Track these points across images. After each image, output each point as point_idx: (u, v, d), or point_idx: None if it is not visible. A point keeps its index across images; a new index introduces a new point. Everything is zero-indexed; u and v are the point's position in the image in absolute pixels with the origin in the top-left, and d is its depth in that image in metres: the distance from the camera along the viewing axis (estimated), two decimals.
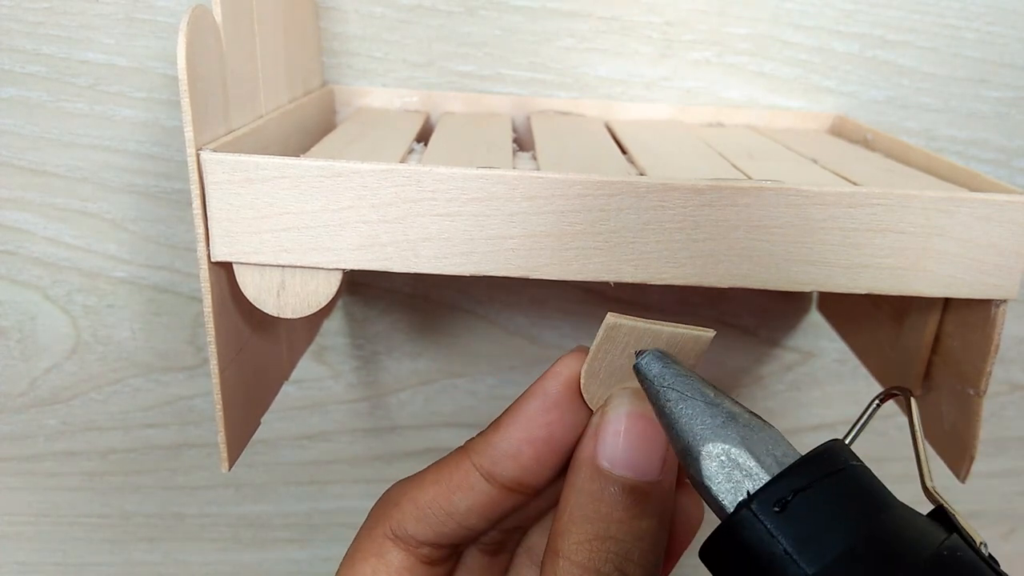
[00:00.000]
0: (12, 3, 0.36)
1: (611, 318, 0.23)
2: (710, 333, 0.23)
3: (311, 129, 0.35)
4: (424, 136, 0.34)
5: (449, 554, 0.27)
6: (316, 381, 0.44)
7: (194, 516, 0.48)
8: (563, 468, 0.25)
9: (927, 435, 0.31)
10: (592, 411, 0.24)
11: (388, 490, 0.27)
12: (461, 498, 0.25)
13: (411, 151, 0.32)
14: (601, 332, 0.23)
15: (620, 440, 0.23)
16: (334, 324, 0.43)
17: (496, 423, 0.25)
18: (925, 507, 0.49)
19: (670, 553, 0.26)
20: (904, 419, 0.32)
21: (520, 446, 0.24)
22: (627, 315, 0.23)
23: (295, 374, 0.36)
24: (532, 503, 0.26)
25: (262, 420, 0.31)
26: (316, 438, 0.45)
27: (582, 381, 0.24)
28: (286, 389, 0.34)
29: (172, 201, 0.39)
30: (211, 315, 0.26)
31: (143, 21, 0.36)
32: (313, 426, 0.45)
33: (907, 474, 0.49)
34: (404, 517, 0.26)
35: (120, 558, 0.49)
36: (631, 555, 0.23)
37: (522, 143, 0.35)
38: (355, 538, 0.27)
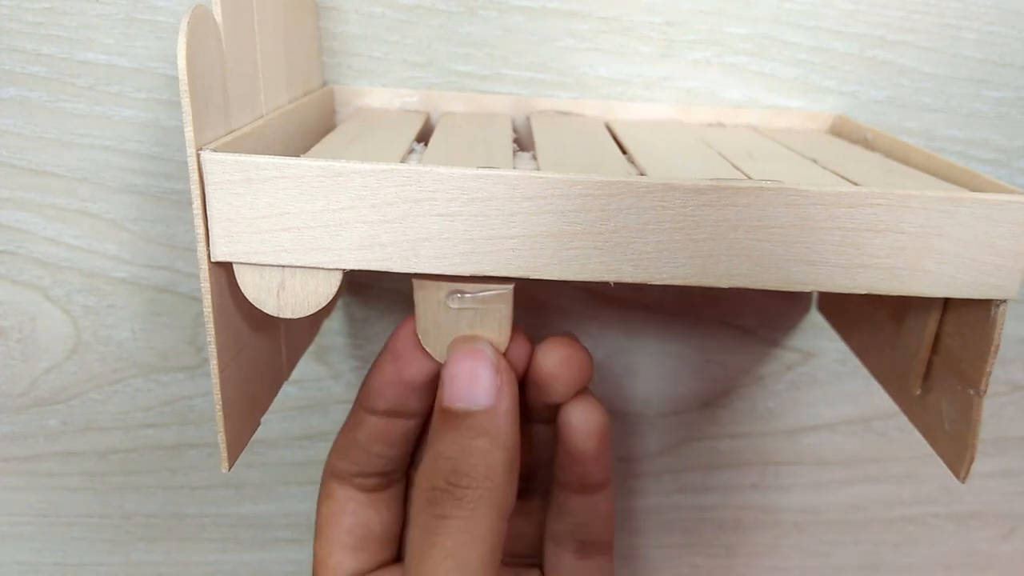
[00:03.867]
0: (12, 3, 0.36)
1: (415, 281, 0.28)
2: (509, 286, 0.28)
3: (311, 129, 0.35)
4: (424, 136, 0.34)
5: (381, 481, 0.33)
6: (316, 381, 0.44)
7: (194, 516, 0.48)
8: (431, 393, 0.31)
9: (927, 435, 0.31)
10: (434, 359, 0.30)
11: None
12: (360, 432, 0.32)
13: (411, 151, 0.32)
14: (415, 295, 0.28)
15: (453, 379, 0.28)
16: (334, 324, 0.43)
17: (368, 371, 0.32)
18: (928, 507, 0.49)
19: (576, 456, 0.31)
20: (904, 419, 0.32)
21: (381, 387, 0.31)
22: (430, 277, 0.27)
23: (295, 374, 0.36)
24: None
25: (262, 420, 0.31)
26: (316, 438, 0.45)
27: (419, 337, 0.29)
28: (286, 389, 0.34)
29: (172, 201, 0.39)
30: (211, 315, 0.26)
31: (143, 21, 0.36)
32: (313, 426, 0.45)
33: (908, 474, 0.49)
34: (334, 459, 0.33)
35: (120, 558, 0.49)
36: (461, 469, 0.26)
37: (522, 143, 0.35)
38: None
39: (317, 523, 0.33)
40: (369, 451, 0.32)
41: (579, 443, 0.31)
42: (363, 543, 0.33)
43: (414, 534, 0.27)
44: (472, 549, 0.26)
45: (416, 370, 0.30)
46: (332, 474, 0.33)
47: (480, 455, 0.27)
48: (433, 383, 0.30)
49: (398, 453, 0.32)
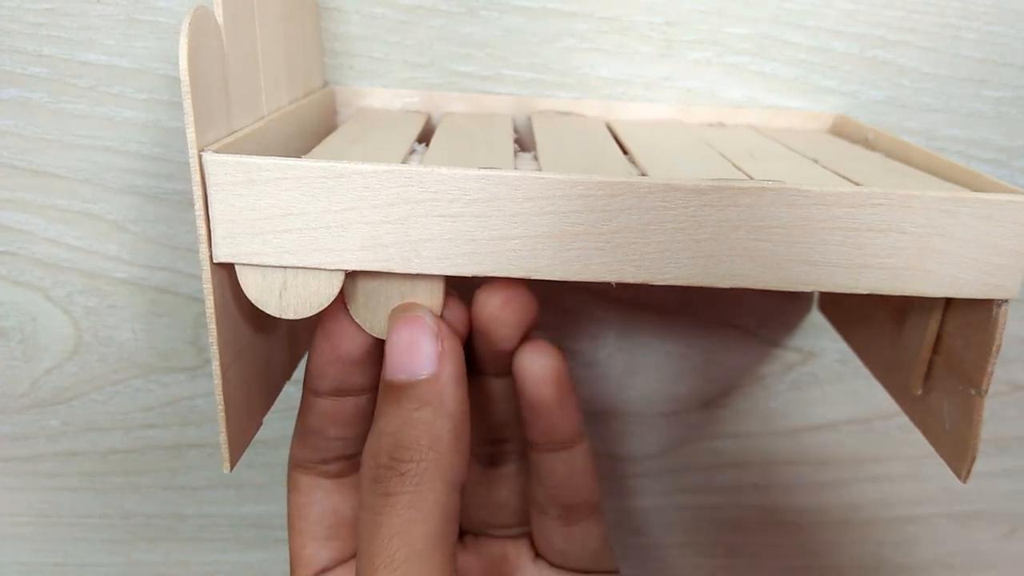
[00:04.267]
0: (13, 4, 0.36)
1: None
2: None
3: (312, 129, 0.35)
4: (425, 137, 0.34)
5: (345, 465, 0.32)
6: None
7: (194, 516, 0.48)
8: (374, 366, 0.30)
9: (928, 435, 0.31)
10: (368, 334, 0.29)
11: None
12: (312, 417, 0.31)
13: (412, 152, 0.32)
14: None
15: (392, 350, 0.27)
16: None
17: (308, 352, 0.30)
18: (929, 507, 0.49)
19: (536, 407, 0.30)
20: (905, 419, 0.32)
21: (321, 368, 0.30)
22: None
23: (296, 374, 0.36)
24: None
25: (263, 420, 0.31)
26: None
27: (349, 309, 0.28)
28: (287, 389, 0.34)
29: (174, 202, 0.39)
30: (213, 316, 0.26)
31: (144, 22, 0.36)
32: None
33: (907, 474, 0.49)
34: (295, 449, 0.32)
35: (120, 558, 0.49)
36: (403, 443, 0.26)
37: (523, 143, 0.35)
38: None
39: (288, 517, 0.32)
40: (325, 435, 0.31)
41: (535, 391, 0.30)
42: (335, 531, 0.32)
43: (362, 516, 0.26)
44: (419, 526, 0.25)
45: (351, 345, 0.29)
46: (295, 465, 0.32)
47: (423, 426, 0.26)
48: (373, 356, 0.29)
49: (355, 433, 0.31)
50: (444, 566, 0.26)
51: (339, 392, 0.30)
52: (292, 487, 0.32)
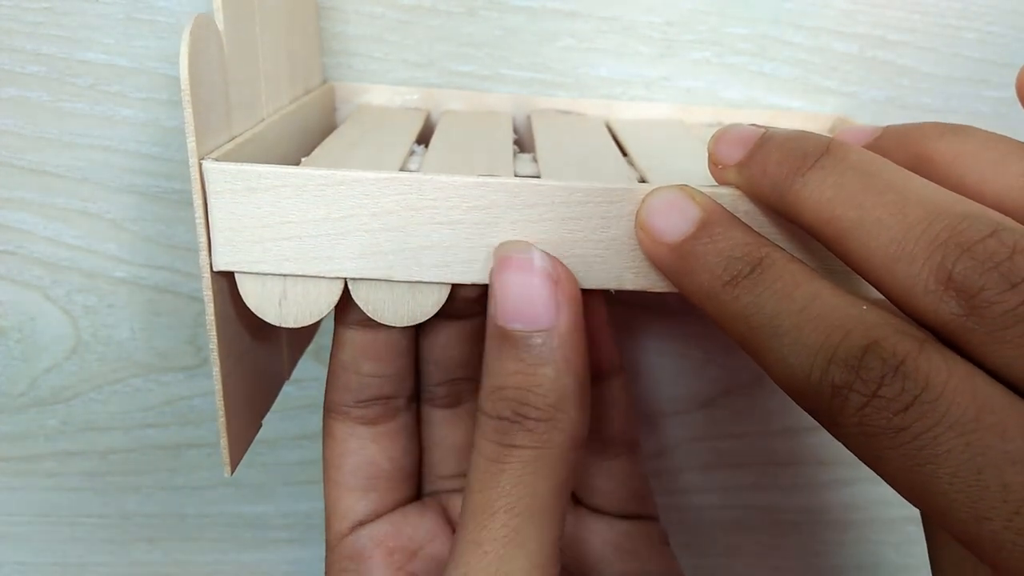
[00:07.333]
0: (12, 3, 0.36)
1: None
2: None
3: (312, 128, 0.35)
4: (425, 137, 0.34)
5: (383, 409, 0.30)
6: (316, 381, 0.44)
7: (194, 516, 0.48)
8: None
9: None
10: None
11: None
12: (344, 352, 0.29)
13: (412, 153, 0.31)
14: None
15: (506, 294, 0.25)
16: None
17: None
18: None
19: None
20: None
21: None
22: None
23: (295, 374, 0.36)
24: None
25: (263, 422, 0.31)
26: (316, 438, 0.45)
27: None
28: (286, 389, 0.34)
29: (172, 201, 0.39)
30: (214, 324, 0.26)
31: (143, 21, 0.36)
32: (313, 426, 0.45)
33: None
34: (329, 393, 0.30)
35: (120, 558, 0.49)
36: (529, 401, 0.24)
37: (522, 144, 0.35)
38: None
39: (323, 468, 0.31)
40: (359, 371, 0.29)
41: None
42: (372, 483, 0.31)
43: (478, 461, 0.25)
44: (544, 480, 0.24)
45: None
46: (330, 410, 0.30)
47: (548, 384, 0.24)
48: None
49: (391, 371, 0.30)
50: (560, 520, 0.25)
51: (369, 323, 0.28)
52: (327, 435, 0.31)
